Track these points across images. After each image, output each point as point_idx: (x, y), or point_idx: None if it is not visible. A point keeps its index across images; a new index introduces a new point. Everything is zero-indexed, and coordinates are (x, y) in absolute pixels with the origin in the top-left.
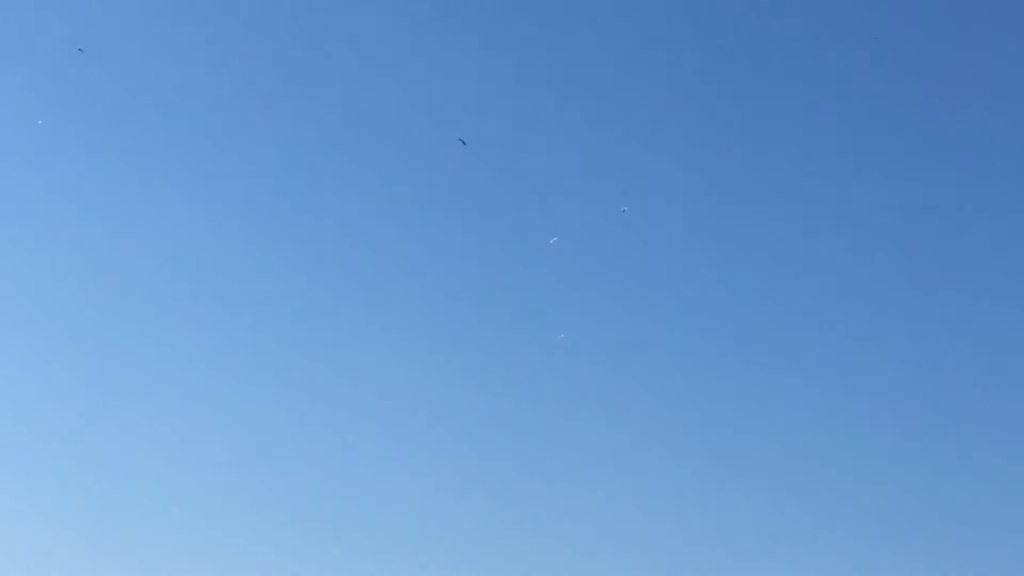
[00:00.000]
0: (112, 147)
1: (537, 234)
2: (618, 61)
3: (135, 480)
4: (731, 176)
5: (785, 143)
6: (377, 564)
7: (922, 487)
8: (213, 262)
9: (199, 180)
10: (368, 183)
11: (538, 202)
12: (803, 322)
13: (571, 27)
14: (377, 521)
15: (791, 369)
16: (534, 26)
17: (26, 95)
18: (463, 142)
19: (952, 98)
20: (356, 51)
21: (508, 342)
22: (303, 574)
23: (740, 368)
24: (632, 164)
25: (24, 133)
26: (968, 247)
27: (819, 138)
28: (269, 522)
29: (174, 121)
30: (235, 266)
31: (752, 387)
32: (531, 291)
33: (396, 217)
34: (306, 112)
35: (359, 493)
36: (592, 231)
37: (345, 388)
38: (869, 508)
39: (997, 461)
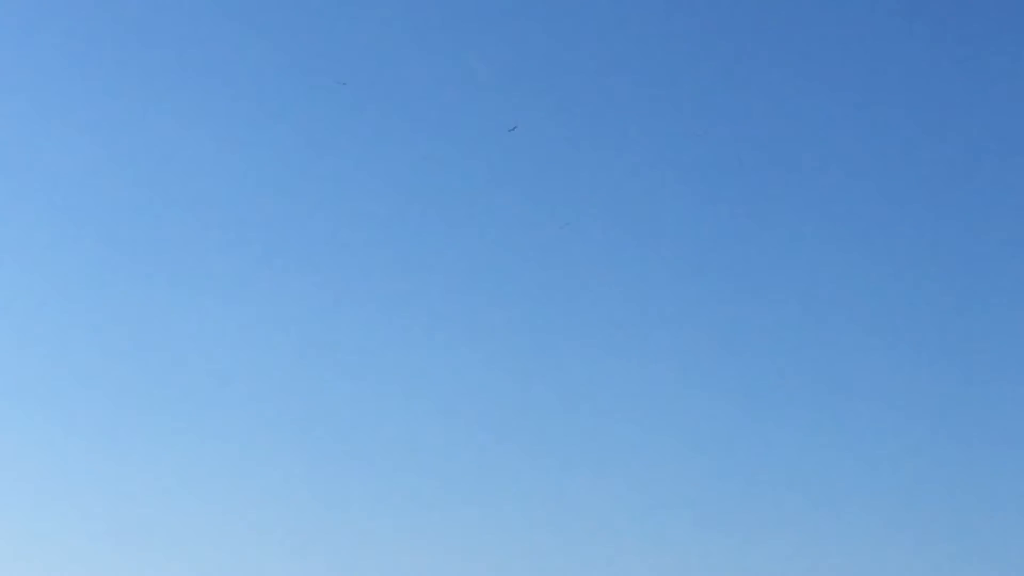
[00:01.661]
0: (116, 74)
1: (550, 219)
2: (633, 57)
3: (144, 466)
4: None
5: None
6: (388, 560)
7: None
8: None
9: (211, 115)
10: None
11: (548, 192)
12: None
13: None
14: (386, 516)
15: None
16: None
17: (26, 15)
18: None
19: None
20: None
21: (522, 331)
22: (318, 568)
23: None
24: (639, 158)
25: (22, 54)
26: (977, 242)
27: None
28: (277, 518)
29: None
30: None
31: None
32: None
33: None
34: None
35: (373, 480)
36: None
37: (360, 366)
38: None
39: None
